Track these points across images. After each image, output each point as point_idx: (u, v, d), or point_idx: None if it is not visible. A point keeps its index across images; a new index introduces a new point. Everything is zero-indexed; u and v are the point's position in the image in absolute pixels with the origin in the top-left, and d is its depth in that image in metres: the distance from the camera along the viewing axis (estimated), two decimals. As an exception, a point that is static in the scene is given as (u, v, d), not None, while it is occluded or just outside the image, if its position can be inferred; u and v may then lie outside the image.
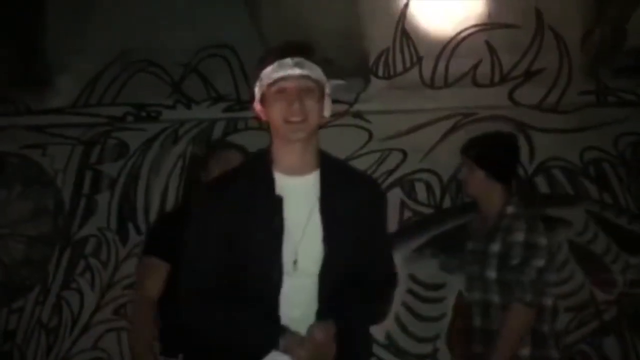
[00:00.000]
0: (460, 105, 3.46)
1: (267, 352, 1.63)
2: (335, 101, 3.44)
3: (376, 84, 3.54)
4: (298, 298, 1.66)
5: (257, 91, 1.72)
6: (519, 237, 2.35)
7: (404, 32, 3.46)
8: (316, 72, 1.70)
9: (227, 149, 2.73)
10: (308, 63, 1.68)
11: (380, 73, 3.53)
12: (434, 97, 3.49)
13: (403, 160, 3.47)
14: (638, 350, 3.21)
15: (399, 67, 3.51)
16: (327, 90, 1.75)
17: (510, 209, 2.44)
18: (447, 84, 3.49)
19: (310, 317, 1.65)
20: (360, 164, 3.44)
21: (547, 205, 3.28)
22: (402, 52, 3.48)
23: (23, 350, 3.45)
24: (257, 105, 1.74)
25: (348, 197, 1.70)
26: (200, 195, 1.86)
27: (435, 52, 3.46)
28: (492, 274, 2.38)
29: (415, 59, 3.49)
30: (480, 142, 2.64)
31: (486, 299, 2.41)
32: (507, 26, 3.39)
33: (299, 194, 1.67)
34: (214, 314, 1.69)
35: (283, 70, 1.64)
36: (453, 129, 3.45)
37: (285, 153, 1.70)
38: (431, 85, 3.50)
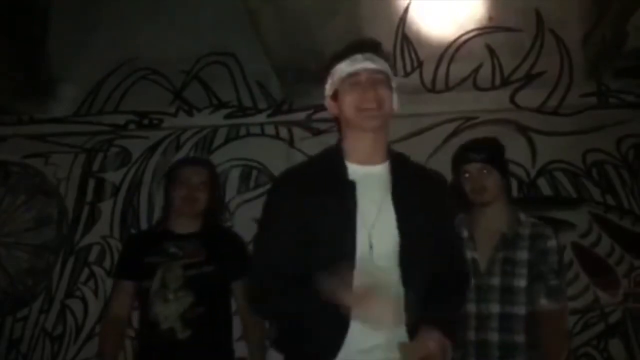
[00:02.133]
0: (461, 109, 3.46)
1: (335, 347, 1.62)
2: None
3: (377, 88, 3.53)
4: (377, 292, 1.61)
5: (329, 88, 1.81)
6: (553, 243, 2.30)
7: (404, 36, 3.46)
8: (385, 66, 1.82)
9: (187, 166, 2.74)
10: (377, 57, 1.79)
11: (381, 78, 3.53)
12: (435, 102, 3.49)
13: (405, 165, 3.46)
14: (644, 353, 3.20)
15: (400, 72, 3.51)
16: (394, 84, 1.84)
17: (523, 216, 2.35)
18: (448, 88, 3.49)
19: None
20: (362, 169, 3.47)
21: (550, 207, 3.27)
22: (402, 56, 3.49)
23: (28, 359, 3.46)
24: (328, 102, 1.83)
25: (418, 189, 1.76)
26: (276, 182, 1.92)
27: (435, 56, 3.46)
28: (521, 282, 2.25)
29: (415, 63, 3.49)
30: (480, 144, 2.52)
31: (508, 311, 2.25)
32: (507, 29, 3.38)
33: (372, 182, 1.73)
34: (286, 303, 1.71)
35: (356, 65, 1.75)
36: (455, 133, 3.45)
37: (358, 143, 1.77)
38: (432, 89, 3.50)
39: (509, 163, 2.61)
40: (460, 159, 2.48)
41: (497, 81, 3.48)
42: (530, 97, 3.44)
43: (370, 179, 1.73)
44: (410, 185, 1.75)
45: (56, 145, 3.68)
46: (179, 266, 2.50)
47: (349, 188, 1.70)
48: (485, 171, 2.39)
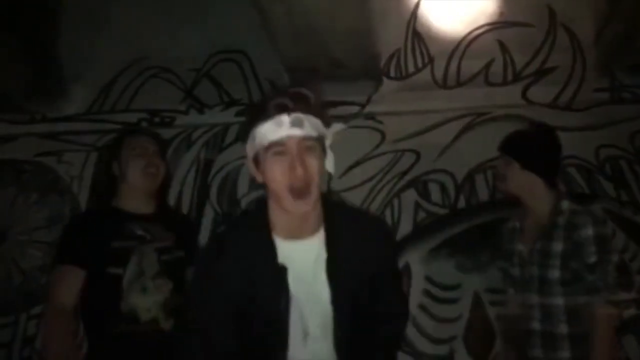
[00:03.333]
0: (473, 104, 3.45)
1: None
2: (347, 103, 3.53)
3: (388, 85, 3.54)
4: None
5: (249, 149, 1.55)
6: (588, 231, 2.19)
7: (415, 32, 3.45)
8: (316, 126, 1.52)
9: (139, 136, 2.46)
10: (307, 118, 1.50)
11: (392, 74, 3.53)
12: (446, 97, 3.48)
13: (416, 161, 3.46)
14: (658, 349, 3.18)
15: (411, 68, 3.51)
16: (328, 141, 1.59)
17: (565, 205, 2.29)
18: (459, 84, 3.48)
19: None
20: (373, 166, 3.47)
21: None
22: (413, 52, 3.48)
23: (43, 356, 3.48)
24: (250, 165, 1.57)
25: (355, 244, 1.58)
26: (202, 261, 1.68)
27: (447, 52, 3.45)
28: (555, 274, 2.23)
29: (426, 59, 3.49)
30: (516, 136, 2.50)
31: (547, 301, 2.25)
32: (519, 24, 3.37)
33: (303, 260, 1.56)
34: None
35: (280, 131, 1.47)
36: (466, 129, 3.44)
37: (286, 221, 1.55)
38: (443, 85, 3.49)
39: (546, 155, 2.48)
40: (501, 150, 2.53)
41: (509, 77, 3.46)
42: (542, 92, 3.43)
43: (302, 257, 1.55)
44: (345, 247, 1.57)
45: (68, 143, 3.70)
46: (152, 250, 2.24)
47: (280, 273, 1.54)
48: (503, 161, 2.43)
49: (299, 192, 1.47)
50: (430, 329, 3.28)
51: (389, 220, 3.41)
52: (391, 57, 3.52)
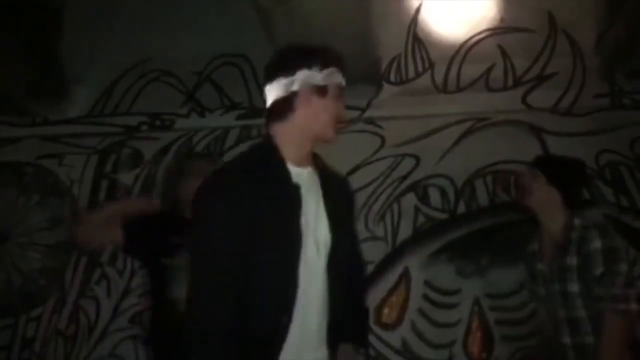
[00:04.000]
0: (473, 109, 3.45)
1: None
2: (347, 107, 3.51)
3: (388, 89, 3.54)
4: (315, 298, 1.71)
5: (317, 79, 1.71)
6: (596, 244, 2.27)
7: (415, 37, 3.46)
8: None
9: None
10: None
11: (392, 79, 3.53)
12: (446, 102, 3.48)
13: (416, 166, 3.46)
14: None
15: (411, 73, 3.51)
16: None
17: (577, 221, 2.37)
18: (459, 89, 3.48)
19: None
20: (373, 170, 3.47)
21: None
22: (414, 57, 3.49)
23: (41, 358, 3.48)
24: (307, 91, 1.71)
25: (339, 193, 1.83)
26: (214, 190, 1.71)
27: (447, 57, 3.46)
28: (574, 288, 2.29)
29: (427, 64, 3.49)
30: (549, 155, 2.66)
31: (572, 314, 2.32)
32: (519, 30, 3.37)
33: (308, 185, 1.73)
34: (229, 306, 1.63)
35: (339, 78, 1.76)
36: (466, 134, 3.45)
37: (304, 146, 1.74)
38: (444, 90, 3.50)
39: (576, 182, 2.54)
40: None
41: (509, 82, 3.47)
42: (542, 98, 3.43)
43: (307, 180, 1.74)
44: (333, 189, 1.79)
45: (69, 146, 3.71)
46: None
47: (295, 191, 1.69)
48: (531, 174, 2.46)
49: (341, 126, 1.79)
50: (429, 334, 3.28)
51: (388, 224, 3.41)
52: (392, 61, 3.52)
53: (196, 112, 3.71)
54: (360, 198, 3.41)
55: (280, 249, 1.65)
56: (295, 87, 1.69)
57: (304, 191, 1.69)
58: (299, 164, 1.73)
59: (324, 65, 1.72)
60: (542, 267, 2.43)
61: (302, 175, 1.72)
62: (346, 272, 1.79)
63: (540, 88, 3.44)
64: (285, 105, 1.71)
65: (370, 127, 3.53)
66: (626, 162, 3.36)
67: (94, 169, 3.69)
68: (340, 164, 3.36)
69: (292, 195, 1.67)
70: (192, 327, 1.63)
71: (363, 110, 3.52)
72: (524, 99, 3.45)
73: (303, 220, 1.67)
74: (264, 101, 1.80)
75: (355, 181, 3.41)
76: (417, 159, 3.47)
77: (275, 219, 1.64)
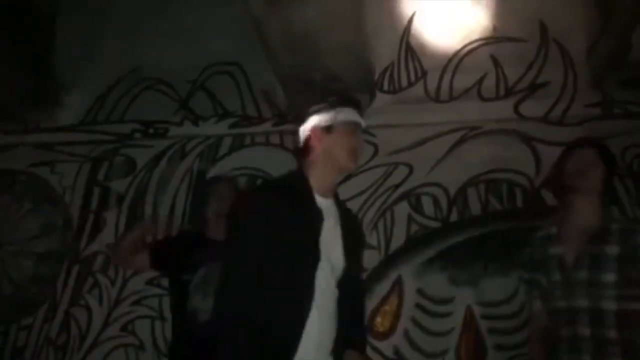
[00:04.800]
0: (465, 118, 3.47)
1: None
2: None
3: (381, 98, 3.56)
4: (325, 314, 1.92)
5: (326, 120, 2.05)
6: None
7: (408, 46, 3.48)
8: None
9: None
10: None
11: (385, 88, 3.55)
12: (439, 111, 3.50)
13: (409, 174, 3.47)
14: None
15: (404, 82, 3.53)
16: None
17: (616, 214, 2.35)
18: (452, 98, 3.50)
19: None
20: (366, 179, 3.47)
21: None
22: (407, 66, 3.51)
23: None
24: (318, 132, 2.04)
25: (351, 226, 2.08)
26: (251, 205, 2.00)
27: (440, 67, 3.48)
28: (610, 277, 2.20)
29: (420, 73, 3.51)
30: (603, 145, 2.49)
31: (598, 305, 2.22)
32: (511, 39, 3.40)
33: (330, 212, 1.99)
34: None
35: (356, 117, 2.09)
36: (459, 143, 3.46)
37: (326, 178, 2.03)
38: (436, 99, 3.51)
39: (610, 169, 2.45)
40: (576, 143, 2.49)
41: (502, 91, 3.48)
42: (534, 107, 3.45)
43: (329, 209, 2.00)
44: (348, 223, 2.05)
45: (62, 154, 3.71)
46: (219, 267, 2.60)
47: (318, 214, 1.94)
48: (593, 158, 2.37)
49: (357, 157, 2.09)
50: (422, 342, 3.27)
51: (381, 232, 3.42)
52: (385, 70, 3.54)
53: (189, 120, 3.71)
54: (353, 206, 3.42)
55: (301, 261, 1.87)
56: (307, 132, 2.05)
57: (325, 217, 1.94)
58: (323, 194, 2.00)
59: (330, 108, 2.05)
60: (561, 251, 2.31)
61: (325, 204, 1.98)
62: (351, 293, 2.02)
63: (532, 97, 3.46)
64: (306, 146, 2.06)
65: (363, 136, 3.52)
66: (617, 171, 3.37)
67: (86, 176, 3.68)
68: (333, 173, 3.39)
69: (315, 218, 1.93)
70: (218, 326, 1.82)
71: (356, 119, 3.53)
72: (516, 108, 3.47)
73: (322, 241, 1.90)
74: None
75: (349, 189, 3.43)
76: (410, 168, 3.47)
77: (300, 235, 1.88)
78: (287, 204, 1.90)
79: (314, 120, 2.06)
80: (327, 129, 2.04)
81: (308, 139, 2.05)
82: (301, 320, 1.83)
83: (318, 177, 2.01)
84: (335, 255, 1.95)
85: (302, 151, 2.07)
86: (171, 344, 2.77)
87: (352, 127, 2.07)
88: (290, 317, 1.83)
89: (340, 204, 2.08)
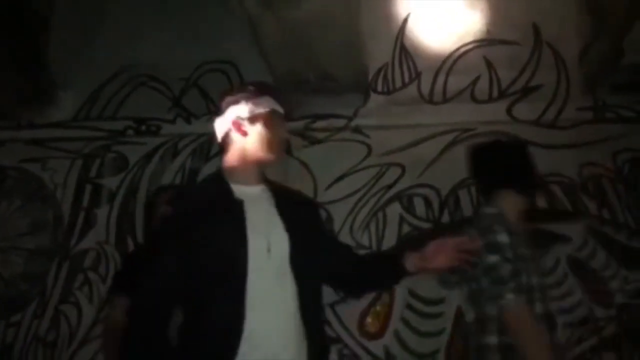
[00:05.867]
0: (458, 120, 3.48)
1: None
2: (334, 116, 3.55)
3: (375, 99, 3.56)
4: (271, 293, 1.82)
5: (247, 110, 1.96)
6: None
7: (402, 48, 3.48)
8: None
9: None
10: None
11: (379, 88, 3.56)
12: (432, 113, 3.51)
13: (402, 175, 3.48)
14: (638, 367, 3.20)
15: (398, 83, 3.54)
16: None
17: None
18: (445, 100, 3.51)
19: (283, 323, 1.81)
20: (359, 179, 3.48)
21: (546, 220, 3.28)
22: (401, 67, 3.51)
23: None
24: (244, 123, 1.96)
25: (296, 205, 2.01)
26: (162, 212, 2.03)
27: (433, 68, 3.48)
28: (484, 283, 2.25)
29: (414, 74, 3.51)
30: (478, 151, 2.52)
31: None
32: (505, 42, 3.42)
33: (260, 198, 1.95)
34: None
35: (276, 105, 1.99)
36: (452, 144, 3.47)
37: (245, 167, 1.97)
38: (430, 100, 3.52)
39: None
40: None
41: (495, 93, 3.50)
42: (527, 110, 3.47)
43: (255, 197, 1.94)
44: (289, 201, 1.99)
45: (53, 150, 3.68)
46: None
47: (237, 205, 1.88)
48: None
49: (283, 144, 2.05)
50: (413, 343, 3.28)
51: (373, 233, 3.42)
52: (379, 71, 3.54)
53: (182, 117, 3.70)
54: (345, 206, 3.43)
55: (226, 253, 1.82)
56: (228, 124, 1.96)
57: (249, 204, 1.89)
58: (247, 183, 1.95)
59: (251, 98, 1.96)
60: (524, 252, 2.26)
61: (249, 192, 1.93)
62: (335, 268, 2.01)
63: (525, 100, 3.48)
64: (226, 139, 1.98)
65: (356, 136, 3.54)
66: (608, 175, 3.40)
67: (78, 173, 3.66)
68: (326, 172, 3.41)
69: (235, 209, 1.87)
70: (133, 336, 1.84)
71: (350, 119, 3.54)
72: (508, 111, 3.48)
73: (250, 226, 1.84)
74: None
75: (341, 189, 3.44)
76: (403, 169, 3.48)
77: (221, 229, 1.84)
78: (202, 203, 1.89)
79: (233, 112, 1.96)
80: (250, 120, 1.95)
81: (228, 133, 1.97)
82: (238, 317, 1.76)
83: (238, 168, 1.96)
84: (275, 234, 1.87)
85: (224, 147, 1.99)
86: None
87: (273, 116, 1.97)
88: (226, 316, 1.77)
89: (277, 189, 2.01)
